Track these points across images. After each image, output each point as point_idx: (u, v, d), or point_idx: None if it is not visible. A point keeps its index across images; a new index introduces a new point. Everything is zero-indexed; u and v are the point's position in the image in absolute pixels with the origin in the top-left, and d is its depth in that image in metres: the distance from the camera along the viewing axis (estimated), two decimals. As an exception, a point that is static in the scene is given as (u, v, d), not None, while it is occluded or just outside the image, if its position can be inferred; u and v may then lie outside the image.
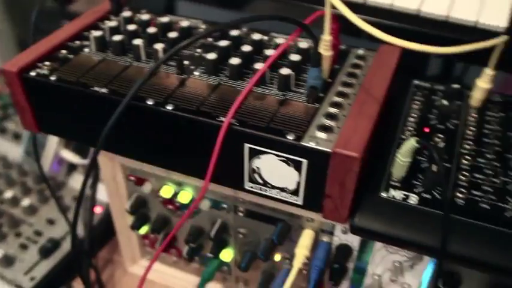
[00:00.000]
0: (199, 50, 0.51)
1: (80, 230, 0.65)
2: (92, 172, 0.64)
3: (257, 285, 0.55)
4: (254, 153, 0.42)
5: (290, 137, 0.40)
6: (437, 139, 0.46)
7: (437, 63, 0.71)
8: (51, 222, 0.67)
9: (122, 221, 0.60)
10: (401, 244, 0.42)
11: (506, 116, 0.49)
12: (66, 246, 0.65)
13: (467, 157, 0.45)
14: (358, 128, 0.40)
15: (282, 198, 0.44)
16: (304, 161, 0.40)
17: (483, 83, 0.47)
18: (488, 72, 0.46)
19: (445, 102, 0.49)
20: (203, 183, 0.43)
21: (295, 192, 0.43)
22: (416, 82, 0.53)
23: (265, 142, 0.41)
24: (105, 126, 0.41)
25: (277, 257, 0.54)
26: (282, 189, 0.43)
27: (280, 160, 0.41)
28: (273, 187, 0.43)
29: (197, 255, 0.58)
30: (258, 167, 0.43)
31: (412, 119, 0.49)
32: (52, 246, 0.64)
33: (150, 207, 0.57)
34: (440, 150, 0.45)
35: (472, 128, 0.48)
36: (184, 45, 0.41)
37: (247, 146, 0.42)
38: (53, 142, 0.69)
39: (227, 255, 0.56)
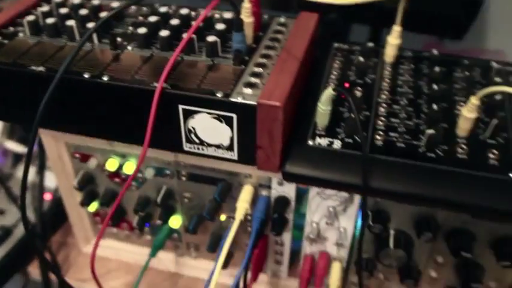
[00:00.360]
0: (131, 28, 0.54)
1: (33, 218, 0.66)
2: (39, 158, 0.65)
3: (206, 247, 0.58)
4: (188, 114, 0.45)
5: (219, 95, 0.43)
6: (356, 92, 0.51)
7: (361, 30, 0.77)
8: (1, 212, 0.68)
9: (72, 200, 0.61)
10: (329, 185, 0.46)
11: (416, 68, 0.54)
12: (18, 232, 0.66)
13: (383, 105, 0.50)
14: (280, 82, 0.44)
15: (219, 155, 0.47)
16: (234, 116, 0.44)
17: (393, 39, 0.53)
18: (396, 28, 0.51)
19: (361, 59, 0.54)
20: (142, 149, 0.46)
21: (230, 148, 0.46)
22: (336, 45, 0.57)
23: (197, 102, 0.44)
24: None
25: (223, 217, 0.57)
26: (218, 146, 0.47)
27: (213, 118, 0.45)
28: (209, 145, 0.47)
29: (147, 225, 0.61)
30: (193, 127, 0.46)
31: (333, 76, 0.53)
32: (4, 234, 0.65)
33: (97, 183, 0.59)
34: (359, 99, 0.50)
35: (387, 80, 0.53)
36: (108, 17, 0.45)
37: (181, 107, 0.45)
38: (-4, 133, 0.70)
39: (176, 222, 0.59)
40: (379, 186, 0.44)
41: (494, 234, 0.50)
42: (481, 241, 0.50)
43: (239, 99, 0.43)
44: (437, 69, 0.52)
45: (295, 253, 0.60)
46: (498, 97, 0.50)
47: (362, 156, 0.44)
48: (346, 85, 0.52)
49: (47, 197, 0.69)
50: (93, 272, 0.53)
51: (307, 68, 0.53)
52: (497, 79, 0.53)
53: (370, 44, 0.55)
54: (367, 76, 0.53)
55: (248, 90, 0.44)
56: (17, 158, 0.73)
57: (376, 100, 0.51)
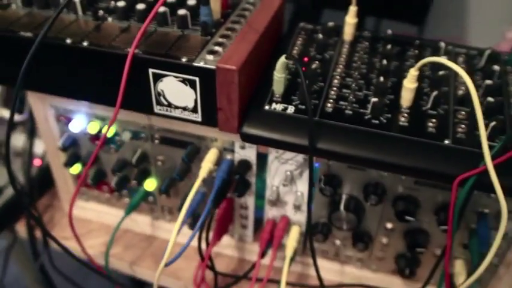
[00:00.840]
0: (113, 2, 0.59)
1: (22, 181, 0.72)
2: (29, 124, 0.71)
3: (177, 209, 0.63)
4: (157, 77, 0.50)
5: (184, 60, 0.49)
6: (314, 66, 0.56)
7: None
8: (-7, 174, 0.74)
9: (57, 162, 0.67)
10: (281, 146, 0.51)
11: (372, 46, 0.59)
12: (8, 193, 0.71)
13: (337, 78, 0.55)
14: (239, 50, 0.49)
15: (185, 117, 0.52)
16: (197, 79, 0.49)
17: (350, 18, 0.58)
18: (352, 8, 0.56)
19: (321, 37, 0.59)
20: (115, 109, 0.51)
21: (194, 110, 0.51)
22: (301, 24, 0.63)
23: (164, 65, 0.49)
24: (32, 67, 0.48)
25: (197, 182, 0.62)
26: (184, 108, 0.52)
27: (179, 81, 0.50)
28: (177, 107, 0.52)
29: (125, 187, 0.66)
30: (162, 90, 0.51)
31: (295, 52, 0.58)
32: (-6, 192, 0.70)
33: (80, 146, 0.64)
34: (316, 72, 0.55)
35: (344, 56, 0.58)
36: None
37: (151, 71, 0.50)
38: (-8, 103, 0.76)
39: (151, 184, 0.64)
40: (324, 148, 0.49)
41: (436, 200, 0.54)
42: (426, 208, 0.55)
43: (201, 64, 0.48)
44: (389, 47, 0.57)
45: (259, 221, 0.64)
46: (442, 72, 0.55)
47: (308, 120, 0.49)
48: (306, 59, 0.57)
49: (37, 162, 0.74)
50: (70, 220, 0.59)
51: (272, 43, 0.58)
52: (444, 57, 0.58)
53: (331, 24, 0.60)
54: (326, 52, 0.58)
55: (210, 57, 0.49)
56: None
57: (332, 73, 0.55)
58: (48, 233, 0.61)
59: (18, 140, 0.78)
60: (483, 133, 0.44)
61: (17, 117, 0.74)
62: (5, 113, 0.76)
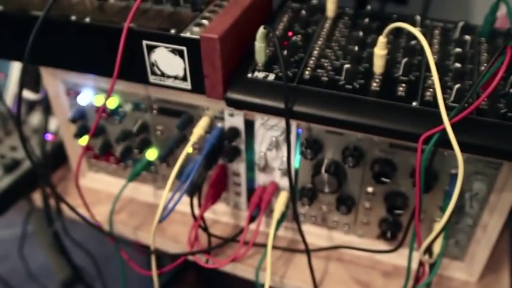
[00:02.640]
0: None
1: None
2: (43, 102, 0.78)
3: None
4: (150, 48, 0.56)
5: (172, 31, 0.54)
6: (296, 39, 0.61)
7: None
8: (13, 148, 0.81)
9: (68, 133, 0.73)
10: (262, 109, 0.56)
11: (353, 22, 0.63)
12: (25, 165, 0.78)
13: (317, 49, 0.59)
14: (221, 22, 0.54)
15: (176, 85, 0.58)
16: (184, 48, 0.54)
17: (331, -5, 0.62)
18: (332, -15, 0.61)
19: (305, 14, 0.63)
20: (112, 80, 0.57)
21: (184, 78, 0.57)
22: (289, 3, 0.67)
23: (156, 37, 0.55)
24: (43, 43, 0.55)
25: (190, 150, 0.67)
26: (175, 77, 0.57)
27: (169, 51, 0.55)
28: (169, 76, 0.57)
29: (129, 157, 0.72)
30: (155, 60, 0.57)
31: (280, 27, 0.63)
32: (13, 164, 0.77)
33: (88, 118, 0.70)
34: (298, 45, 0.59)
35: (325, 30, 0.62)
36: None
37: (144, 42, 0.55)
38: (13, 84, 0.83)
39: (152, 154, 0.70)
40: (300, 110, 0.54)
41: (411, 163, 0.58)
42: (402, 171, 0.59)
43: (187, 34, 0.53)
44: (367, 20, 0.61)
45: (253, 191, 0.69)
46: (415, 42, 0.58)
47: (283, 85, 0.53)
48: (289, 33, 0.62)
49: (50, 137, 0.81)
50: (77, 182, 0.65)
51: (260, 20, 0.62)
52: (419, 29, 0.61)
53: (315, 2, 0.65)
54: (309, 27, 0.62)
55: (196, 29, 0.54)
56: (30, 106, 0.86)
57: (312, 45, 0.60)
58: (60, 197, 0.67)
59: (36, 118, 0.85)
60: (438, 90, 0.47)
61: (33, 96, 0.81)
62: (24, 93, 0.83)
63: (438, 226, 0.51)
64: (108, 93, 0.58)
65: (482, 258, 0.62)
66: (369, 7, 0.64)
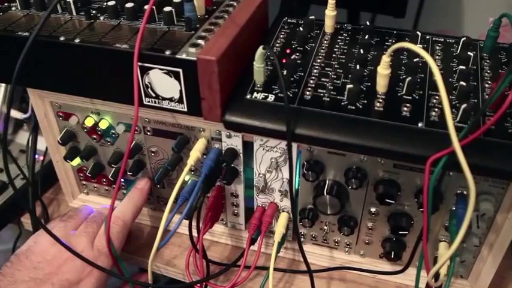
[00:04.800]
0: (105, 3, 0.62)
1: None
2: (32, 121, 0.75)
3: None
4: (144, 70, 0.53)
5: (167, 53, 0.52)
6: (295, 56, 0.59)
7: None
8: (0, 170, 0.78)
9: (58, 156, 0.70)
10: (262, 132, 0.54)
11: (352, 38, 0.62)
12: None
13: (317, 67, 0.58)
14: (218, 42, 0.52)
15: (172, 107, 0.55)
16: (180, 70, 0.52)
17: (329, 11, 0.60)
18: (330, 1, 0.59)
19: (302, 30, 0.61)
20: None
21: (180, 101, 0.54)
22: (285, 18, 0.65)
23: (150, 59, 0.52)
24: (30, 65, 0.52)
25: (187, 177, 0.65)
26: (171, 99, 0.55)
27: (164, 73, 0.53)
28: (164, 98, 0.55)
29: (122, 180, 0.69)
30: (149, 82, 0.54)
31: (278, 45, 0.61)
32: (0, 187, 0.74)
33: (79, 140, 0.68)
34: (296, 63, 0.57)
35: (324, 47, 0.60)
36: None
37: (138, 64, 0.53)
38: (-2, 102, 0.80)
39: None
40: (302, 133, 0.52)
41: (416, 184, 0.56)
42: (407, 191, 0.57)
43: (183, 56, 0.51)
44: (367, 37, 0.60)
45: (251, 210, 0.67)
46: (417, 60, 0.57)
47: (285, 106, 0.51)
48: (287, 51, 0.60)
49: (40, 158, 0.78)
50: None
51: (256, 37, 0.61)
52: (420, 46, 0.60)
53: (312, 17, 0.63)
54: (307, 44, 0.61)
55: (192, 49, 0.52)
56: (17, 125, 0.83)
57: (312, 63, 0.58)
58: (44, 227, 0.64)
59: (23, 137, 0.82)
60: (448, 113, 0.45)
61: (22, 116, 0.78)
62: (14, 113, 0.80)
63: (448, 252, 0.49)
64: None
65: (488, 276, 0.61)
66: (368, 23, 0.62)
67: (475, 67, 0.57)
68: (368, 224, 0.62)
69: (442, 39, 0.62)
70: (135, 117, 0.54)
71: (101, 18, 0.59)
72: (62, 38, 0.55)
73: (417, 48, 0.44)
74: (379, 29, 0.63)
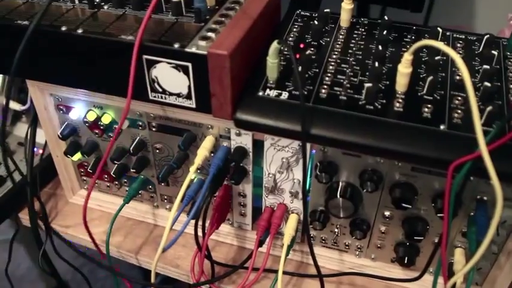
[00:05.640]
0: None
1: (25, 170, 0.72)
2: (32, 114, 0.72)
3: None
4: (151, 64, 0.50)
5: (176, 46, 0.49)
6: (310, 52, 0.56)
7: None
8: (-1, 163, 0.75)
9: (58, 151, 0.67)
10: (275, 131, 0.51)
11: (369, 32, 0.59)
12: (10, 183, 0.72)
13: (333, 64, 0.55)
14: (231, 36, 0.49)
15: (179, 103, 0.52)
16: (190, 65, 0.49)
17: (346, 4, 0.57)
18: (348, -6, 0.56)
19: (317, 23, 0.58)
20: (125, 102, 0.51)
21: (188, 96, 0.52)
22: (298, 11, 0.62)
23: (157, 52, 0.49)
24: (30, 55, 0.49)
25: (194, 176, 0.62)
26: (178, 95, 0.52)
27: (172, 67, 0.50)
28: (171, 94, 0.52)
29: (124, 175, 0.66)
30: (156, 77, 0.51)
31: (290, 38, 0.58)
32: (-2, 180, 0.71)
33: (80, 135, 0.65)
34: (311, 58, 0.54)
35: (340, 42, 0.57)
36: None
37: (144, 57, 0.50)
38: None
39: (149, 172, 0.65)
40: (317, 133, 0.49)
41: (433, 188, 0.53)
42: (423, 195, 0.54)
43: (193, 49, 0.48)
44: (385, 32, 0.57)
45: (260, 210, 0.64)
46: (438, 58, 0.54)
47: (301, 105, 0.48)
48: (302, 45, 0.57)
49: (39, 152, 0.75)
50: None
51: (268, 30, 0.57)
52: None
53: (327, 10, 0.60)
54: (322, 38, 0.58)
55: (202, 43, 0.49)
56: (15, 116, 0.80)
57: (327, 59, 0.55)
58: (48, 224, 0.62)
59: (21, 129, 0.79)
60: (477, 117, 0.43)
61: (20, 108, 0.75)
62: (12, 105, 0.77)
63: (471, 262, 0.47)
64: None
65: (504, 284, 0.59)
66: (386, 17, 0.59)
67: (498, 66, 0.54)
68: (381, 228, 0.60)
69: (463, 36, 0.59)
70: (125, 109, 0.51)
71: (105, 7, 0.56)
72: (63, 28, 0.52)
73: (446, 48, 0.41)
74: (397, 24, 0.60)
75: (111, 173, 0.65)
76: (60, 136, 0.63)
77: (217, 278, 0.61)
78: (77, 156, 0.66)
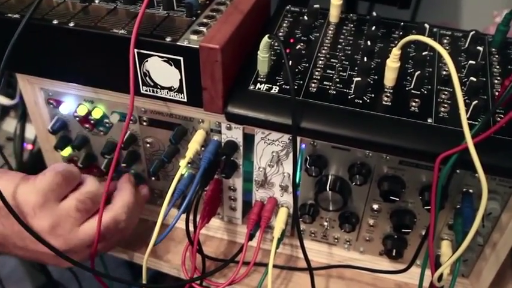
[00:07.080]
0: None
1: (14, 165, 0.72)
2: (21, 109, 0.72)
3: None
4: (142, 58, 0.51)
5: (168, 39, 0.49)
6: (299, 47, 0.56)
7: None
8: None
9: (48, 145, 0.67)
10: (265, 125, 0.52)
11: (358, 28, 0.60)
12: None
13: (322, 58, 0.55)
14: (222, 30, 0.50)
15: (171, 97, 0.53)
16: (181, 59, 0.49)
17: (335, 0, 0.58)
18: (337, -10, 0.57)
19: (307, 19, 0.59)
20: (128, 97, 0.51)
21: (179, 90, 0.52)
22: (288, 7, 0.63)
23: (149, 45, 0.50)
24: (20, 49, 0.49)
25: (184, 170, 0.62)
26: (170, 89, 0.52)
27: (163, 61, 0.50)
28: (162, 88, 0.52)
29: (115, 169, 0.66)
30: (147, 70, 0.52)
31: (280, 34, 0.59)
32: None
33: (70, 129, 0.65)
34: (301, 53, 0.55)
35: (329, 37, 0.58)
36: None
37: (136, 51, 0.50)
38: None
39: (140, 167, 0.65)
40: (307, 127, 0.50)
41: (421, 181, 0.54)
42: (411, 189, 0.55)
43: (185, 43, 0.49)
44: (374, 28, 0.58)
45: (248, 204, 0.65)
46: (426, 53, 0.55)
47: (291, 99, 0.49)
48: (291, 41, 0.57)
49: (29, 147, 0.75)
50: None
51: (258, 25, 0.58)
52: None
53: (316, 6, 0.60)
54: (312, 34, 0.58)
55: (194, 37, 0.49)
56: (3, 111, 0.79)
57: (317, 54, 0.56)
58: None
59: (10, 124, 0.79)
60: (463, 111, 0.44)
61: (9, 102, 0.75)
62: (0, 99, 0.76)
63: (456, 253, 0.48)
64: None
65: (490, 275, 0.60)
66: (374, 13, 0.60)
67: (483, 62, 0.56)
68: (369, 221, 0.60)
69: (450, 33, 0.60)
70: (130, 106, 0.51)
71: (96, 1, 0.56)
72: (55, 22, 0.52)
73: (433, 43, 0.42)
74: (385, 20, 0.61)
75: (101, 168, 0.65)
76: (51, 130, 0.63)
77: (209, 272, 0.61)
78: (67, 151, 0.66)
